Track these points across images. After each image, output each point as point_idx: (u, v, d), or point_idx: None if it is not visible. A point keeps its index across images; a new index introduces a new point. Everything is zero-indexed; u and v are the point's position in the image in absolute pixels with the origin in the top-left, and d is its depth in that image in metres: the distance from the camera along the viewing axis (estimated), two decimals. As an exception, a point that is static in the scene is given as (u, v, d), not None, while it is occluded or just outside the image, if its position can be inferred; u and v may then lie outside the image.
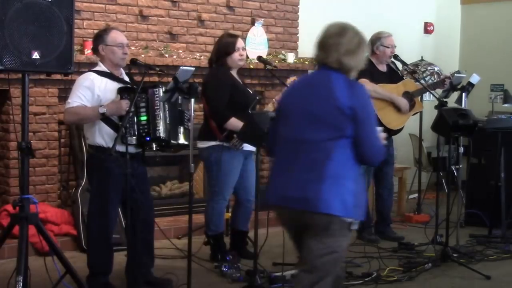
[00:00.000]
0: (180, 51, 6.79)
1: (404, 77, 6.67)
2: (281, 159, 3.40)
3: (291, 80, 5.50)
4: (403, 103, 6.29)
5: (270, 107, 5.48)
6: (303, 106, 3.33)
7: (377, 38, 6.40)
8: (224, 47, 5.38)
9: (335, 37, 3.33)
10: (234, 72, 5.46)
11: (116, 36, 4.68)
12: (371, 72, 6.32)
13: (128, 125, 4.43)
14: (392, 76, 6.49)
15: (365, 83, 6.22)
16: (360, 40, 3.39)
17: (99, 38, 4.69)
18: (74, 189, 6.14)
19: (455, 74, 6.45)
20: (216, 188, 5.43)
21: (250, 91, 5.51)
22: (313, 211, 3.21)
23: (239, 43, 5.41)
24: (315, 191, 3.20)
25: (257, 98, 5.49)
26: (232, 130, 5.26)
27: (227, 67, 5.39)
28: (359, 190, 3.32)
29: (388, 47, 6.36)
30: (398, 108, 6.31)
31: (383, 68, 6.47)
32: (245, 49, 5.52)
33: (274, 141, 3.49)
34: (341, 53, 3.32)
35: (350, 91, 3.28)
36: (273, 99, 5.52)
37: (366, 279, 5.09)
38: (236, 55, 5.36)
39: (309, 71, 7.28)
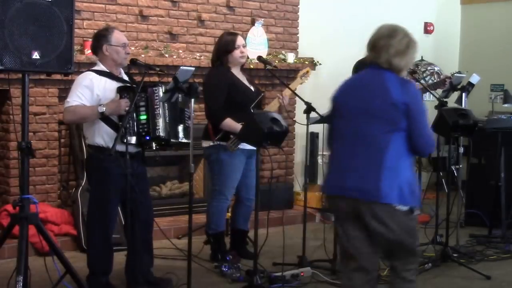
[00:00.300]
0: (180, 51, 6.79)
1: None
2: (339, 152, 3.60)
3: (304, 72, 5.51)
4: None
5: (272, 106, 5.48)
6: (359, 103, 3.52)
7: None
8: (224, 45, 5.39)
9: (385, 39, 3.53)
10: (236, 70, 5.46)
11: (119, 36, 4.70)
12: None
13: (128, 124, 4.43)
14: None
15: None
16: (409, 41, 3.56)
17: (103, 38, 4.68)
18: (74, 189, 6.14)
19: (455, 74, 6.45)
20: (217, 187, 5.44)
21: (252, 88, 5.50)
22: (372, 200, 3.41)
23: (239, 40, 5.42)
24: (374, 182, 3.40)
25: (262, 94, 5.49)
26: (227, 131, 5.27)
27: (228, 65, 5.39)
28: (413, 178, 3.54)
29: (388, 47, 6.36)
30: None
31: (383, 68, 6.46)
32: (245, 46, 5.53)
33: (332, 136, 3.69)
34: (391, 54, 3.52)
35: (403, 89, 3.48)
36: (277, 96, 5.50)
37: (366, 279, 5.08)
38: (237, 53, 5.37)
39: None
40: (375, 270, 3.65)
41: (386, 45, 3.52)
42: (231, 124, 5.24)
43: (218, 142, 5.34)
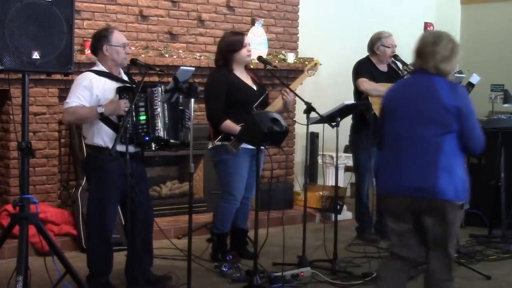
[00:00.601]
0: (180, 51, 6.79)
1: (404, 77, 6.67)
2: (392, 153, 3.82)
3: (311, 65, 5.50)
4: None
5: (276, 104, 5.46)
6: (411, 106, 3.75)
7: (377, 38, 6.40)
8: (231, 45, 5.40)
9: (431, 46, 3.74)
10: (240, 69, 5.47)
11: (120, 37, 4.70)
12: (371, 71, 6.33)
13: (127, 124, 4.43)
14: (393, 76, 6.48)
15: (364, 82, 6.24)
16: (454, 46, 3.77)
17: (103, 38, 4.67)
18: (74, 189, 6.14)
19: (455, 74, 6.44)
20: (225, 188, 5.45)
21: (255, 87, 5.49)
22: (431, 198, 3.67)
23: (246, 39, 5.47)
24: (431, 180, 3.66)
25: (266, 93, 5.48)
26: (227, 133, 5.27)
27: (232, 65, 5.40)
28: (465, 176, 3.79)
29: (388, 47, 6.37)
30: None
31: (383, 68, 6.47)
32: (249, 45, 5.56)
33: (383, 137, 3.91)
34: (437, 60, 3.73)
35: (453, 93, 3.71)
36: (282, 92, 5.48)
37: (366, 279, 5.09)
38: (244, 51, 5.40)
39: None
40: (418, 260, 3.97)
41: (432, 52, 3.73)
42: (230, 125, 5.24)
43: (221, 143, 5.34)
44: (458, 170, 3.72)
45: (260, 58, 5.69)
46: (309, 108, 5.26)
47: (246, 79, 5.48)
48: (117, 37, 4.67)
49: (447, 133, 3.68)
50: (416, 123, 3.72)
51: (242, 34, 5.60)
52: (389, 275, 3.95)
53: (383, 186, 3.90)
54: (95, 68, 4.71)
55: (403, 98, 3.82)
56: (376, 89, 6.20)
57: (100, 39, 4.70)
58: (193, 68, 4.50)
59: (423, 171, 3.69)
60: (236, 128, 5.19)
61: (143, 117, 4.57)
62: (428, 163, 3.67)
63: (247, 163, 5.41)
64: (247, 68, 5.60)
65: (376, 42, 6.39)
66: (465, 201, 3.85)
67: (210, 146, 5.46)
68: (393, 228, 3.89)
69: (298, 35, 7.70)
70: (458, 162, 3.75)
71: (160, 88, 4.61)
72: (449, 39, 3.76)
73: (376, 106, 6.22)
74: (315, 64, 5.63)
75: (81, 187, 5.99)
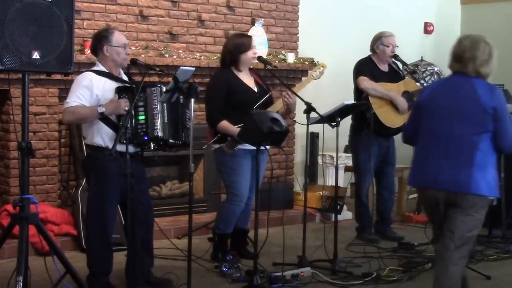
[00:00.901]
0: (180, 51, 6.79)
1: (405, 78, 6.67)
2: (429, 148, 4.00)
3: (319, 67, 5.50)
4: (401, 102, 6.31)
5: (275, 107, 5.46)
6: (450, 105, 3.95)
7: (378, 37, 6.42)
8: (239, 46, 5.43)
9: (470, 51, 3.95)
10: (245, 71, 5.49)
11: (120, 37, 4.70)
12: (371, 71, 6.33)
13: (127, 124, 4.43)
14: (394, 76, 6.50)
15: (364, 80, 6.24)
16: (491, 49, 4.00)
17: (104, 38, 4.67)
18: (74, 189, 6.14)
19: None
20: (230, 189, 5.45)
21: (256, 89, 5.49)
22: (465, 192, 3.89)
23: (253, 42, 5.54)
24: (467, 176, 3.88)
25: (267, 95, 5.48)
26: (224, 134, 5.27)
27: (239, 66, 5.42)
28: (496, 174, 4.02)
29: (387, 46, 6.37)
30: (396, 107, 6.32)
31: (384, 68, 6.47)
32: (256, 47, 5.63)
33: (415, 132, 4.11)
34: (477, 65, 3.95)
35: (491, 94, 3.93)
36: (283, 95, 5.46)
37: (366, 279, 5.09)
38: (250, 53, 5.42)
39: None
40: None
41: (472, 57, 3.94)
42: (227, 126, 5.25)
43: (219, 145, 5.35)
44: (491, 168, 3.95)
45: (260, 58, 5.69)
46: (309, 108, 5.26)
47: (249, 80, 5.49)
48: (118, 38, 4.67)
49: (483, 132, 3.89)
50: (454, 121, 3.92)
51: (249, 36, 5.67)
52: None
53: (419, 179, 4.09)
54: (95, 68, 4.71)
55: (441, 98, 4.01)
56: (375, 89, 6.20)
57: (100, 39, 4.70)
58: (193, 68, 4.50)
59: (459, 167, 3.89)
60: (232, 129, 5.21)
61: (142, 117, 4.56)
62: (464, 160, 3.88)
63: (249, 163, 5.41)
64: (251, 70, 5.61)
65: (376, 41, 6.41)
66: (496, 197, 4.07)
67: (205, 147, 5.46)
68: (432, 222, 4.17)
69: (298, 35, 7.70)
70: (491, 160, 3.96)
71: (159, 88, 4.61)
72: (486, 42, 3.98)
73: (375, 105, 6.23)
74: (322, 67, 5.62)
75: (81, 187, 5.99)
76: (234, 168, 5.36)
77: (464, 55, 3.96)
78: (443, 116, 3.97)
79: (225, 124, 5.27)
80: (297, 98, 5.43)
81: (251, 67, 5.62)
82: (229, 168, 5.38)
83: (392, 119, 6.29)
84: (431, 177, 3.97)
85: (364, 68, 6.37)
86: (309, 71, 5.67)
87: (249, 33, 7.07)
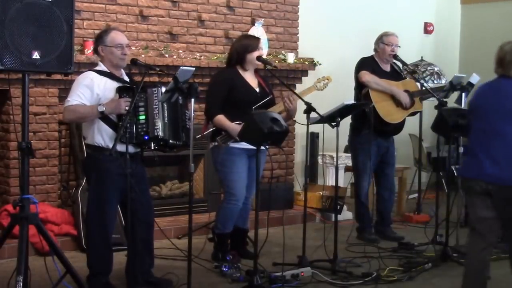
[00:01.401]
0: (180, 51, 6.79)
1: (405, 78, 6.66)
2: (479, 144, 4.23)
3: (323, 79, 5.50)
4: (404, 96, 6.30)
5: (276, 109, 5.46)
6: (496, 106, 4.19)
7: (380, 36, 6.44)
8: (246, 46, 5.48)
9: (510, 55, 4.19)
10: (250, 72, 5.51)
11: (115, 37, 4.68)
12: (373, 68, 6.34)
13: (127, 124, 4.43)
14: (395, 76, 6.49)
15: (366, 74, 6.24)
16: None
17: (99, 39, 4.70)
18: (74, 189, 6.14)
19: (455, 74, 6.46)
20: (226, 188, 5.46)
21: (258, 90, 5.50)
22: (508, 185, 4.09)
23: (261, 44, 5.63)
24: (509, 170, 4.08)
25: (269, 97, 5.48)
26: (218, 128, 5.29)
27: (245, 66, 5.45)
28: None
29: (387, 45, 6.37)
30: (398, 103, 6.31)
31: (386, 68, 6.47)
32: (262, 50, 5.72)
33: (470, 130, 4.38)
34: None
35: None
36: (284, 98, 5.46)
37: (366, 279, 5.08)
38: (256, 54, 5.47)
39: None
40: (495, 241, 4.43)
41: None
42: (222, 120, 5.28)
43: (217, 143, 5.36)
44: None
45: (260, 58, 5.69)
46: (309, 108, 5.26)
47: (252, 81, 5.51)
48: (113, 38, 4.67)
49: None
50: (499, 120, 4.15)
51: (258, 38, 5.74)
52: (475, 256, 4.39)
53: (468, 171, 4.31)
54: (97, 68, 4.71)
55: (488, 99, 4.26)
56: (377, 82, 6.21)
57: (97, 39, 4.73)
58: (193, 68, 4.50)
59: (502, 161, 4.11)
60: (227, 124, 5.25)
61: (142, 117, 4.56)
62: (507, 154, 4.11)
63: (245, 162, 5.41)
64: (257, 73, 5.62)
65: (378, 40, 6.42)
66: None
67: (198, 136, 5.44)
68: (473, 216, 4.31)
69: (298, 35, 7.70)
70: None
71: (159, 88, 4.61)
72: None
73: (376, 99, 6.22)
74: (327, 79, 5.60)
75: (81, 187, 5.99)
76: (230, 167, 5.37)
77: (505, 59, 4.20)
78: (489, 115, 4.22)
79: (221, 118, 5.29)
80: (297, 101, 5.42)
81: (256, 67, 5.63)
82: (225, 167, 5.39)
83: (392, 114, 6.29)
84: (476, 170, 4.19)
85: (367, 64, 6.37)
86: (314, 82, 5.63)
87: (249, 33, 7.09)
